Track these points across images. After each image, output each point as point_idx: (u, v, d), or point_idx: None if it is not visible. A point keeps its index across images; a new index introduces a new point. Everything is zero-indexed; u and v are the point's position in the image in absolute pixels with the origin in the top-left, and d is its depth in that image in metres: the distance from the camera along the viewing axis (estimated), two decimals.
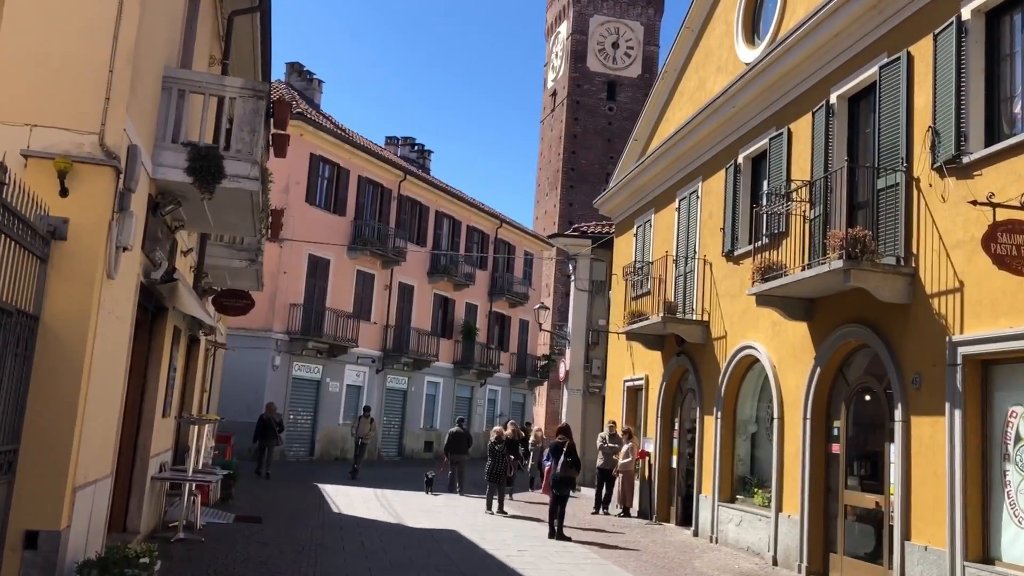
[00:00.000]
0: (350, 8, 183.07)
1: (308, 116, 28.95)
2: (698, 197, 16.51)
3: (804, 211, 12.08)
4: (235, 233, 10.92)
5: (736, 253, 14.55)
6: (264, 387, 28.16)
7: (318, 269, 29.97)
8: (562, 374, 26.33)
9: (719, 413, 14.71)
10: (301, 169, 29.04)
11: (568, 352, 26.16)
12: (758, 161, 14.54)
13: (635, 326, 17.08)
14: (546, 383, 47.18)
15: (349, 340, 30.63)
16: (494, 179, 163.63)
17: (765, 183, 14.29)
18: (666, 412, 17.52)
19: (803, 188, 11.91)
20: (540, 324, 29.91)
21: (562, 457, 14.64)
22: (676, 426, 17.27)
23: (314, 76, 33.54)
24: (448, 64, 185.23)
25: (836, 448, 11.52)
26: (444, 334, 37.33)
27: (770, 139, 13.60)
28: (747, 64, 14.72)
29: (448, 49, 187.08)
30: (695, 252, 16.29)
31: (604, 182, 56.95)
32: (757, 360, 13.78)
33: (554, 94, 59.11)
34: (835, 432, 11.61)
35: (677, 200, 17.57)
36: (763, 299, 12.03)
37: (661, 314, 15.75)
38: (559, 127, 57.06)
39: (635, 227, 20.21)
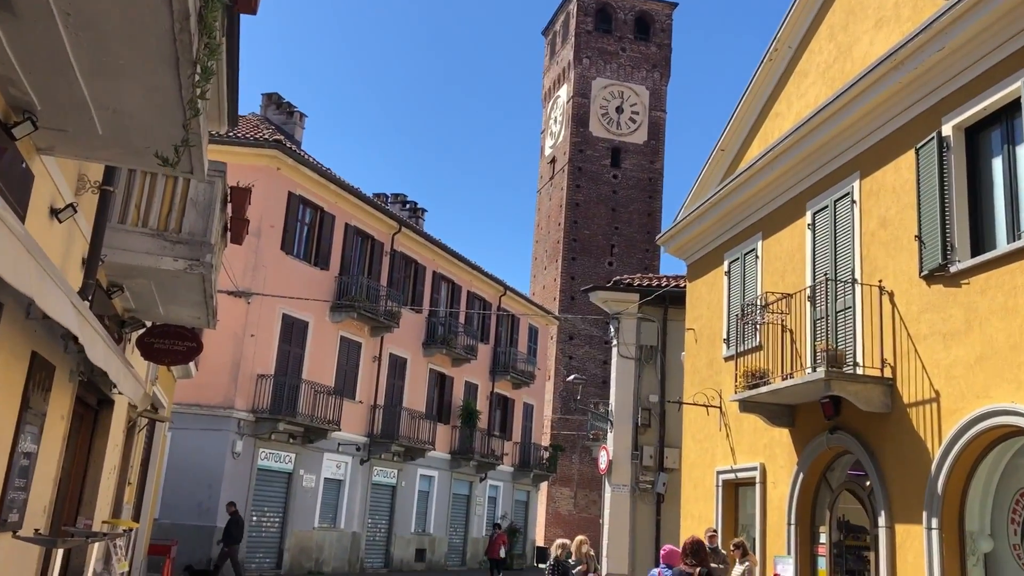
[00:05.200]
0: (333, 48, 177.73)
1: (287, 147, 23.88)
2: (854, 202, 11.48)
3: None
4: (147, 166, 5.38)
5: (954, 269, 9.44)
6: (221, 479, 22.20)
7: (294, 333, 24.39)
8: (603, 465, 20.72)
9: (934, 521, 9.32)
10: (277, 210, 23.80)
11: (610, 437, 20.63)
12: (978, 130, 9.61)
13: (761, 391, 11.78)
14: (549, 478, 41.09)
15: (330, 422, 24.82)
16: (485, 249, 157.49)
17: (998, 161, 9.36)
18: (803, 518, 12.05)
19: None
20: (576, 400, 24.29)
21: None
22: (822, 539, 11.79)
23: (295, 109, 28.61)
24: (438, 127, 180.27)
25: None
26: (440, 418, 31.55)
27: None
28: None
29: (438, 110, 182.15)
30: (853, 279, 11.18)
31: (609, 253, 52.25)
32: (1016, 433, 8.53)
33: (553, 161, 54.83)
34: None
35: (809, 213, 12.54)
36: None
37: (822, 368, 10.45)
38: (559, 195, 52.54)
39: (725, 263, 15.12)
